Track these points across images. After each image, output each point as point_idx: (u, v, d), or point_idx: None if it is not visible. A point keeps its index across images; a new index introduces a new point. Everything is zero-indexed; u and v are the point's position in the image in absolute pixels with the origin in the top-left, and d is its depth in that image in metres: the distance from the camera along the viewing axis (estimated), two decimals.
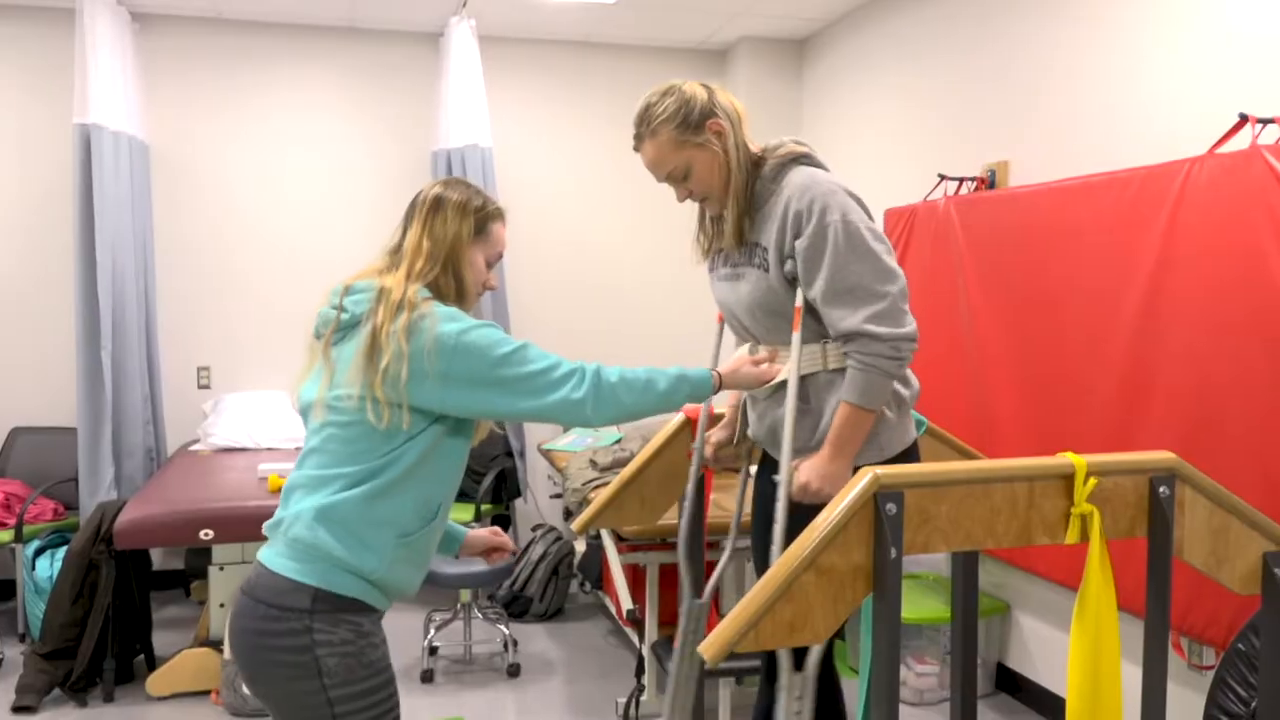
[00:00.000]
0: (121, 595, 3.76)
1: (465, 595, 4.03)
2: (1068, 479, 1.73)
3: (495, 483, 4.92)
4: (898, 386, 2.06)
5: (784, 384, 2.04)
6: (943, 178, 3.89)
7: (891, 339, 1.93)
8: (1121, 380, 2.94)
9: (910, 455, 2.11)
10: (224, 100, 5.03)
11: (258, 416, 4.83)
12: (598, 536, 4.61)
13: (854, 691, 3.74)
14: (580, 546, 4.81)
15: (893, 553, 1.59)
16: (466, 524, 4.65)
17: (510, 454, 5.06)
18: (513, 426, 5.07)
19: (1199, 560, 1.82)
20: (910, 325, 1.96)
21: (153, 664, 3.91)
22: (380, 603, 1.75)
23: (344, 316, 1.76)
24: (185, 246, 5.02)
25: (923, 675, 3.62)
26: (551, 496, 5.43)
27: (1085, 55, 3.29)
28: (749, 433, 2.24)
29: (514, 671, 3.93)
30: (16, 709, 3.57)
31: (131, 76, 4.63)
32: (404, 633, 4.42)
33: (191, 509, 3.43)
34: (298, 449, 4.69)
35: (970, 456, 3.06)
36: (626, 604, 3.46)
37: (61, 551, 4.21)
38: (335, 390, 1.72)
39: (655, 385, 1.82)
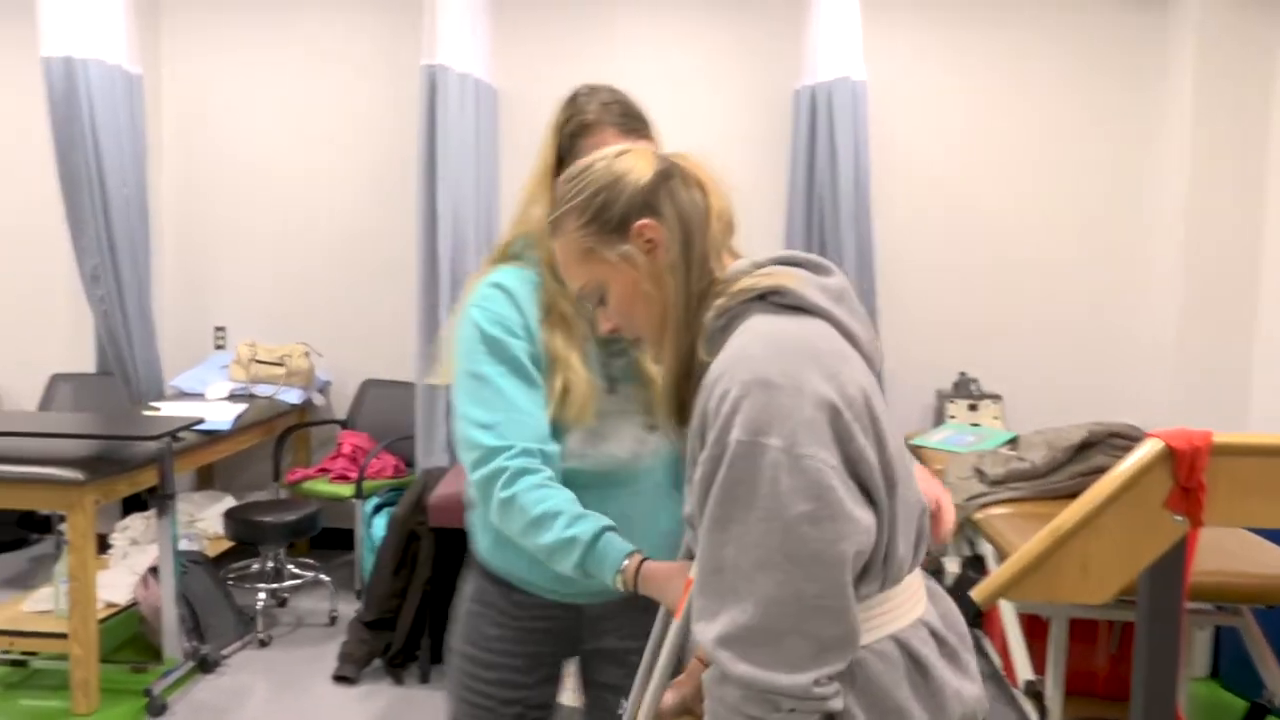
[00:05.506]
0: (441, 569, 3.49)
1: None
2: None
3: None
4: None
5: None
6: None
7: (746, 683, 0.99)
8: None
9: None
10: (574, 43, 4.66)
11: None
12: (980, 562, 3.74)
13: None
14: (953, 566, 3.96)
15: None
16: None
17: None
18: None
19: None
20: (807, 673, 0.98)
21: None
22: (507, 577, 1.56)
23: None
24: None
25: None
26: None
27: None
28: None
29: None
30: (337, 678, 3.42)
31: (482, 19, 4.37)
32: None
33: None
34: None
35: None
36: (1025, 673, 2.61)
37: None
38: None
39: (541, 531, 1.32)
